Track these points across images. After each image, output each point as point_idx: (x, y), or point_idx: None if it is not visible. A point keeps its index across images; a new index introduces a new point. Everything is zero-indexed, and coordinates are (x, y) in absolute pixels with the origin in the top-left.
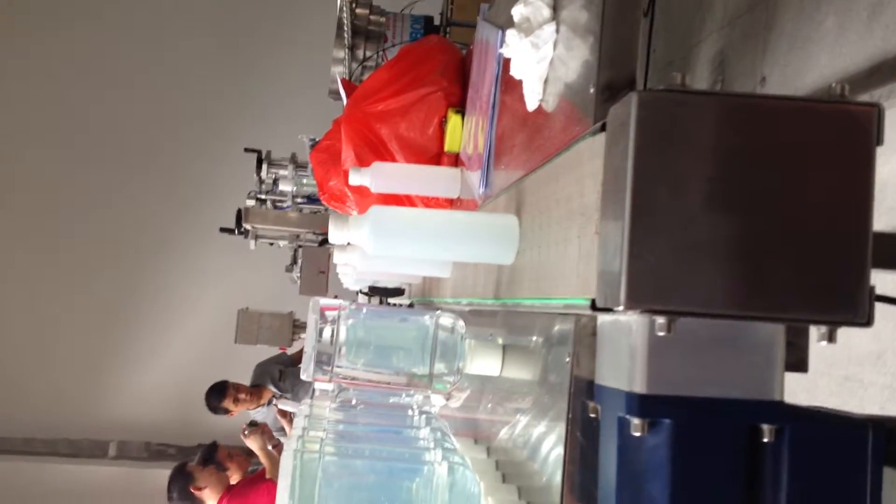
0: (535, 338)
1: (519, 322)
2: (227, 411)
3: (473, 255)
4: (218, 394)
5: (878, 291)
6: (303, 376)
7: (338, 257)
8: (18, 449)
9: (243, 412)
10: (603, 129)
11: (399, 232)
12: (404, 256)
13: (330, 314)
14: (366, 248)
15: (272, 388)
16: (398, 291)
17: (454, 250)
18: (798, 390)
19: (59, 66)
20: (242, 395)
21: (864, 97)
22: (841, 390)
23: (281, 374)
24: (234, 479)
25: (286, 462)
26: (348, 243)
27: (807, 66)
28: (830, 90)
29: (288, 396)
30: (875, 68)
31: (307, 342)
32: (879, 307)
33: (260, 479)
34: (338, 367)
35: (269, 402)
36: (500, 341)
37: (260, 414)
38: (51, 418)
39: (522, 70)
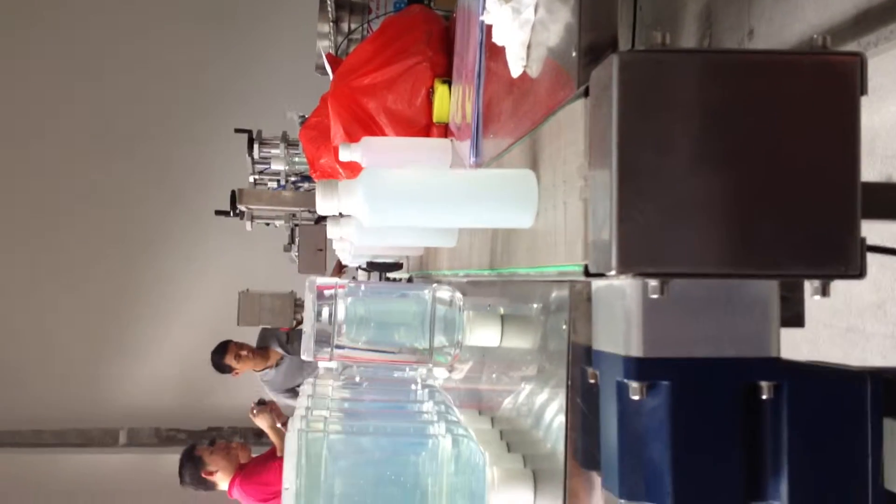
0: (533, 306)
1: (516, 291)
2: (231, 369)
3: (487, 218)
4: (220, 351)
5: (875, 242)
6: (303, 356)
7: (331, 231)
8: (28, 441)
9: (250, 375)
10: (587, 93)
11: (399, 196)
12: (406, 225)
13: (328, 293)
14: (361, 217)
15: (279, 350)
16: (396, 266)
17: (464, 215)
18: (801, 342)
19: (44, 56)
20: (244, 353)
21: (852, 45)
22: (843, 341)
23: (288, 337)
24: (243, 458)
25: (291, 442)
26: (340, 214)
27: (793, 16)
28: (812, 42)
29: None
30: (861, 15)
31: (306, 322)
32: (879, 257)
33: (271, 457)
34: (338, 345)
35: (278, 364)
36: (501, 311)
37: (269, 375)
38: (59, 409)
39: (505, 36)
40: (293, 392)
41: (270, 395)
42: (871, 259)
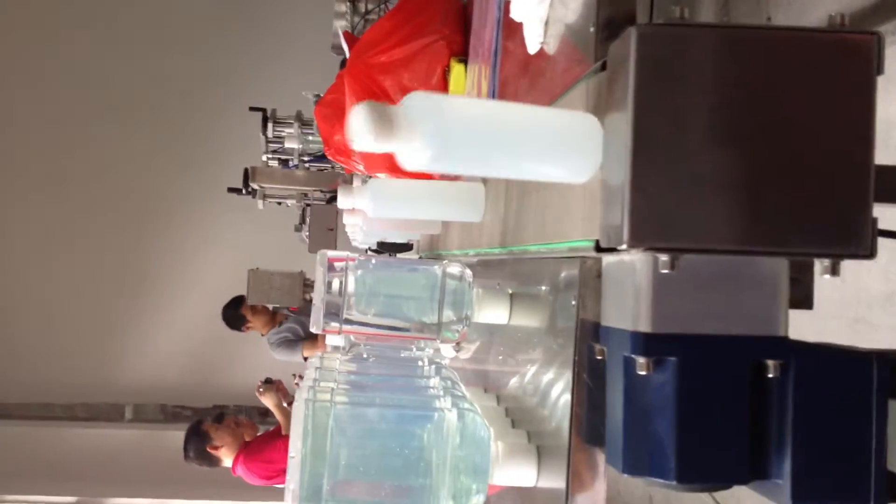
0: (541, 286)
1: (526, 270)
2: (244, 320)
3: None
4: (235, 303)
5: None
6: (312, 329)
7: (343, 201)
8: (37, 414)
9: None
10: (604, 67)
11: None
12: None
13: (338, 265)
14: (418, 155)
15: (286, 312)
16: (406, 247)
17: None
18: (809, 333)
19: (57, 25)
20: (259, 307)
21: None
22: (851, 332)
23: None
24: (248, 436)
25: (298, 412)
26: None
27: (812, 4)
28: (830, 20)
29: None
30: (880, 4)
31: (316, 294)
32: (890, 249)
33: (276, 436)
34: (347, 318)
35: (282, 323)
36: (510, 291)
37: (273, 337)
38: (67, 383)
39: (522, 12)
40: (292, 345)
41: (274, 355)
42: (882, 250)
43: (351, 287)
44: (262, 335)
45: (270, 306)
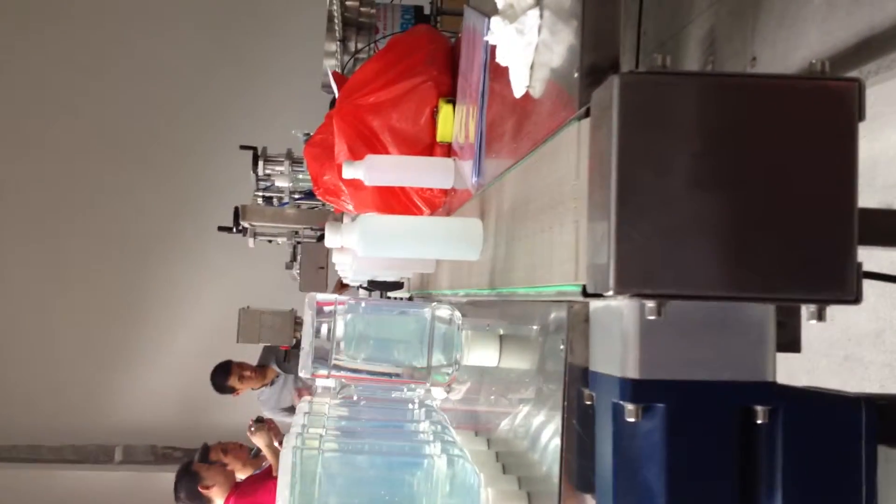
0: (531, 327)
1: (515, 311)
2: (233, 389)
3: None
4: (223, 372)
5: (875, 269)
6: (301, 373)
7: (336, 257)
8: (25, 457)
9: (248, 395)
10: (587, 113)
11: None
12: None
13: (327, 309)
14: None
15: (276, 368)
16: (397, 285)
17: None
18: (800, 372)
19: (51, 65)
20: (247, 373)
21: (853, 73)
22: (841, 370)
23: (286, 355)
24: (237, 468)
25: (285, 459)
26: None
27: (796, 44)
28: (811, 67)
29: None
30: (863, 44)
31: (304, 338)
32: (878, 286)
33: (267, 477)
34: (336, 362)
35: (272, 383)
36: (500, 331)
37: (265, 394)
38: (56, 425)
39: (508, 57)
40: (289, 411)
41: (267, 414)
42: (870, 288)
43: (340, 331)
44: (253, 389)
45: (257, 364)
